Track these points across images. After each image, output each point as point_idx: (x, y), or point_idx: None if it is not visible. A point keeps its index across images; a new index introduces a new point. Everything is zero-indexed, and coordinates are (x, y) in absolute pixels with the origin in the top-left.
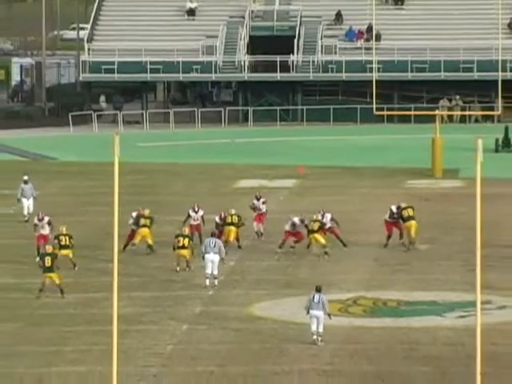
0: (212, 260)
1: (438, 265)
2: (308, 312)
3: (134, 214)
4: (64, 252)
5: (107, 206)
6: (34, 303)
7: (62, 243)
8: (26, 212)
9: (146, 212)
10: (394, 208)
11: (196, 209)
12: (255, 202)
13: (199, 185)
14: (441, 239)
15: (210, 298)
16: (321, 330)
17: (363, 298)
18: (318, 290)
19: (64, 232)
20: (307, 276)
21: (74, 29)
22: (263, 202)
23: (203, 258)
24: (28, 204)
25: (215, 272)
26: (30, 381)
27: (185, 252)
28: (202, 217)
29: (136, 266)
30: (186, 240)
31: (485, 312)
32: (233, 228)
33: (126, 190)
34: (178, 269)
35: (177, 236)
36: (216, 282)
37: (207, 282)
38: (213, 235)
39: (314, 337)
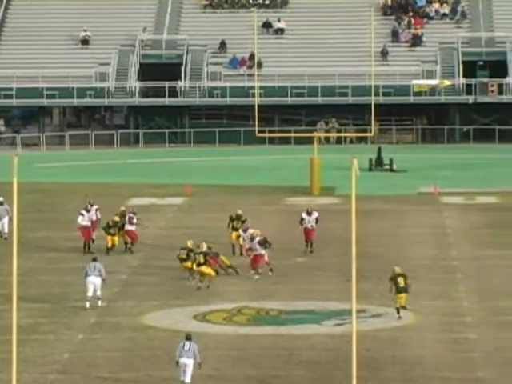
0: (93, 282)
1: (315, 276)
2: (178, 362)
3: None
4: None
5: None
6: None
7: None
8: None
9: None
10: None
11: (89, 207)
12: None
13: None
14: (318, 252)
15: (104, 309)
16: (188, 380)
17: (247, 307)
18: (188, 338)
19: None
20: (193, 289)
21: None
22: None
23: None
24: (2, 223)
25: (98, 293)
26: None
27: None
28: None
29: (34, 279)
30: None
31: (360, 320)
32: None
33: (25, 208)
34: None
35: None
36: (100, 302)
37: (87, 304)
38: (94, 260)
39: None
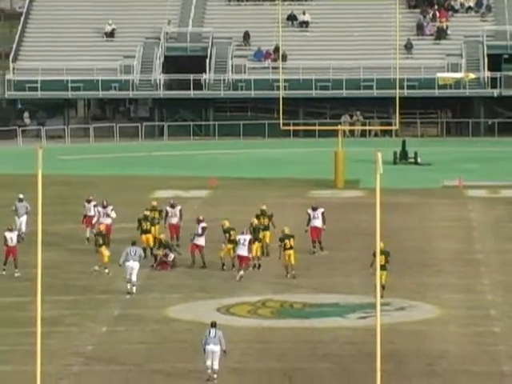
0: (132, 267)
1: (339, 269)
2: (204, 349)
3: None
4: None
5: (32, 215)
6: None
7: None
8: (18, 227)
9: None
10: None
11: (105, 203)
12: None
13: (118, 195)
14: (342, 245)
15: (128, 301)
16: (216, 366)
17: (271, 300)
18: (214, 325)
19: None
20: (218, 281)
21: None
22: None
23: (120, 265)
24: (21, 221)
25: (134, 279)
26: None
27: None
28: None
29: (59, 270)
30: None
31: (384, 313)
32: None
33: (49, 200)
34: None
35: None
36: (134, 289)
37: (128, 286)
38: (133, 244)
39: (209, 371)
